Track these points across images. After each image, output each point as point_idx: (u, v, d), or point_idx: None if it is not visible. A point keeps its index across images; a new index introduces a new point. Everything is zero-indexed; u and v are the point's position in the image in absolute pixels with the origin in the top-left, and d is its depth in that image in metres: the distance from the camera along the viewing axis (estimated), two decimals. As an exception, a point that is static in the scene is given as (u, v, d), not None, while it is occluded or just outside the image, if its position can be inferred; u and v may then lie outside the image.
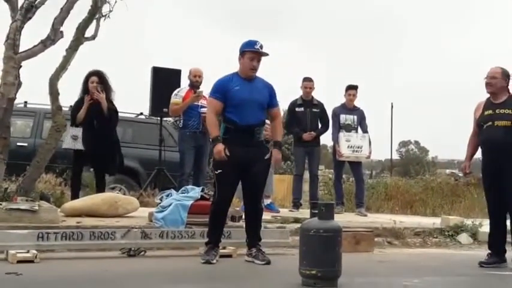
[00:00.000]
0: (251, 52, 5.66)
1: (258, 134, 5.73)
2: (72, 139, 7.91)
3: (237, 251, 6.01)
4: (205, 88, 8.16)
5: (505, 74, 6.10)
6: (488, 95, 6.16)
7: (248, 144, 5.63)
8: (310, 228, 4.61)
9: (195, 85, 8.55)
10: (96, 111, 7.74)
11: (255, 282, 4.95)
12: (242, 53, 5.72)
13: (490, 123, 6.03)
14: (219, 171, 5.62)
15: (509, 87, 6.13)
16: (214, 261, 5.54)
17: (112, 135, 7.97)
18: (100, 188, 7.85)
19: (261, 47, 5.71)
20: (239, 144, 5.60)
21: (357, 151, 9.44)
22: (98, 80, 7.82)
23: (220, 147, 5.55)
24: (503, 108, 6.00)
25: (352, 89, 9.70)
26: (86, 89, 7.85)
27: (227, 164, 5.56)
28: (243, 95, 5.63)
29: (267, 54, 5.74)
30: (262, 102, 5.75)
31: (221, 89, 5.72)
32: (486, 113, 6.08)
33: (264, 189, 6.14)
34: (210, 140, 6.10)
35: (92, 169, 8.15)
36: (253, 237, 5.78)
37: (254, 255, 5.66)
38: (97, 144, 7.69)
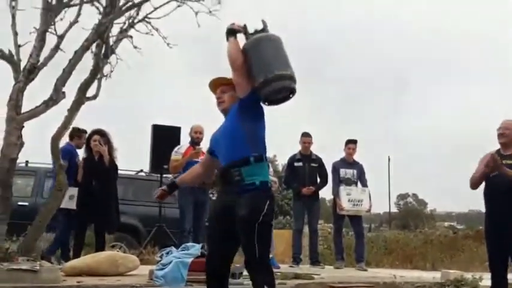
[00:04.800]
0: (211, 86, 4.73)
1: (237, 176, 4.34)
2: (69, 199, 8.03)
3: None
4: (206, 145, 8.21)
5: None
6: (497, 147, 6.27)
7: (228, 191, 4.42)
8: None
9: (195, 142, 8.63)
10: (94, 170, 7.80)
11: None
12: None
13: (496, 172, 6.08)
14: (207, 224, 5.10)
15: None
16: None
17: (111, 193, 8.00)
18: (99, 246, 7.82)
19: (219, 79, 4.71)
20: (223, 190, 4.54)
21: (357, 205, 9.46)
22: (100, 138, 7.91)
23: (162, 188, 4.90)
24: (511, 159, 6.09)
25: (351, 143, 9.80)
26: (88, 148, 7.92)
27: (211, 216, 4.81)
28: (216, 135, 4.66)
29: (227, 79, 4.63)
30: (232, 129, 4.49)
31: (210, 138, 4.85)
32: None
33: (254, 246, 4.36)
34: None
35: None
36: None
37: None
38: (95, 204, 7.72)
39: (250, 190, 4.31)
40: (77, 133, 8.75)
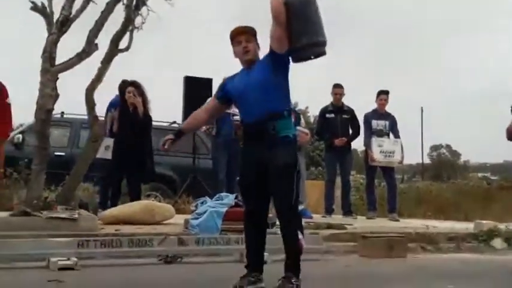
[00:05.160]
0: (235, 34, 4.64)
1: (272, 130, 4.42)
2: (105, 149, 8.15)
3: (270, 257, 5.95)
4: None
5: None
6: None
7: (261, 143, 4.48)
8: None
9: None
10: (129, 122, 7.87)
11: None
12: (231, 44, 4.68)
13: None
14: (238, 177, 4.83)
15: None
16: None
17: (144, 144, 8.08)
18: (134, 196, 7.97)
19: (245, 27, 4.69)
20: (253, 145, 4.58)
21: (389, 156, 9.42)
22: (134, 89, 7.96)
23: (168, 136, 4.84)
24: None
25: (383, 93, 9.71)
26: (123, 99, 7.98)
27: (244, 168, 4.70)
28: (240, 85, 4.60)
29: (252, 29, 4.68)
30: (265, 83, 4.47)
31: (221, 86, 4.91)
32: None
33: (292, 194, 4.57)
34: None
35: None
36: (287, 258, 4.54)
37: (278, 285, 4.41)
38: (130, 154, 7.82)
39: (285, 143, 4.45)
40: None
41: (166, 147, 4.81)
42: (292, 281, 4.35)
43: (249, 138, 4.65)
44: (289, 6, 4.34)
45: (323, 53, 4.54)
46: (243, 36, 4.61)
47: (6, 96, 7.82)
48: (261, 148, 4.46)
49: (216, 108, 4.91)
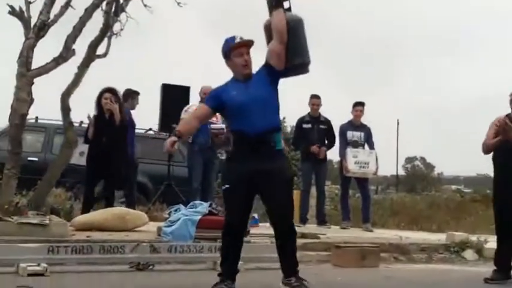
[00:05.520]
0: (236, 47, 4.67)
1: (272, 142, 4.64)
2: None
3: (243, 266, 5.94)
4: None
5: None
6: (507, 113, 6.16)
7: (261, 155, 4.59)
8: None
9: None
10: (105, 128, 7.80)
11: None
12: (227, 55, 4.72)
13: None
14: (226, 186, 4.74)
15: None
16: None
17: (120, 151, 8.00)
18: (108, 202, 7.89)
19: (241, 38, 4.73)
20: (247, 156, 4.63)
21: (363, 167, 9.45)
22: (111, 96, 7.88)
23: (172, 138, 4.69)
24: None
25: (359, 105, 9.75)
26: (100, 106, 7.91)
27: (235, 179, 4.68)
28: (241, 98, 4.63)
29: (252, 41, 4.73)
30: (267, 98, 4.67)
31: (214, 96, 4.84)
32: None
33: (292, 205, 4.90)
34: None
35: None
36: (289, 265, 4.75)
37: (294, 285, 4.65)
38: (105, 160, 7.75)
39: (281, 155, 4.77)
40: (132, 94, 8.81)
41: (172, 148, 4.72)
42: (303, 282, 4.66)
43: (245, 150, 4.67)
44: (287, 25, 4.61)
45: (307, 72, 4.88)
46: (245, 49, 4.70)
47: None
48: (256, 160, 4.57)
49: (206, 116, 4.99)
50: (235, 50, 4.67)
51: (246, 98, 4.61)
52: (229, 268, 4.74)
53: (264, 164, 4.56)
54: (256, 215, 8.65)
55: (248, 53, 4.69)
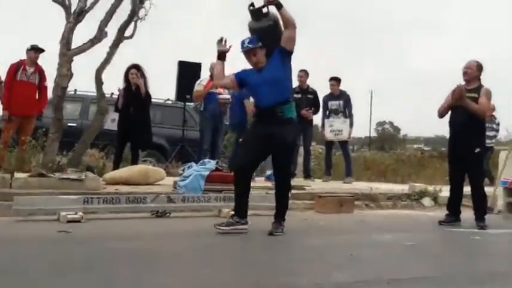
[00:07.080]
0: (243, 53, 4.98)
1: (280, 113, 4.86)
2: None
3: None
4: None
5: (479, 66, 6.07)
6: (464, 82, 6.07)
7: (271, 122, 4.86)
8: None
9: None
10: (132, 99, 7.69)
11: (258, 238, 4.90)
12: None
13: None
14: (242, 139, 5.21)
15: (481, 77, 6.08)
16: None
17: (145, 118, 7.90)
18: (134, 161, 7.83)
19: (250, 42, 4.93)
20: (264, 122, 4.94)
21: (337, 134, 9.48)
22: (136, 71, 7.75)
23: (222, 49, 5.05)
24: (473, 93, 5.94)
25: (332, 80, 9.61)
26: (127, 80, 7.78)
27: (250, 135, 5.12)
28: (257, 80, 4.93)
29: (255, 48, 4.92)
30: (278, 79, 4.89)
31: (241, 75, 5.07)
32: None
33: (290, 165, 5.36)
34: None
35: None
36: (278, 209, 5.03)
37: (272, 227, 4.93)
38: (132, 126, 7.67)
39: (291, 122, 4.96)
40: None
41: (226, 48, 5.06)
42: (282, 223, 4.97)
43: (260, 118, 5.04)
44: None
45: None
46: (249, 55, 4.95)
47: (45, 79, 7.76)
48: (269, 126, 4.87)
49: (232, 81, 5.12)
50: (244, 55, 4.97)
51: (259, 81, 4.91)
52: (240, 208, 4.96)
53: (271, 129, 4.84)
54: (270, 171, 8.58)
55: (255, 55, 4.93)
